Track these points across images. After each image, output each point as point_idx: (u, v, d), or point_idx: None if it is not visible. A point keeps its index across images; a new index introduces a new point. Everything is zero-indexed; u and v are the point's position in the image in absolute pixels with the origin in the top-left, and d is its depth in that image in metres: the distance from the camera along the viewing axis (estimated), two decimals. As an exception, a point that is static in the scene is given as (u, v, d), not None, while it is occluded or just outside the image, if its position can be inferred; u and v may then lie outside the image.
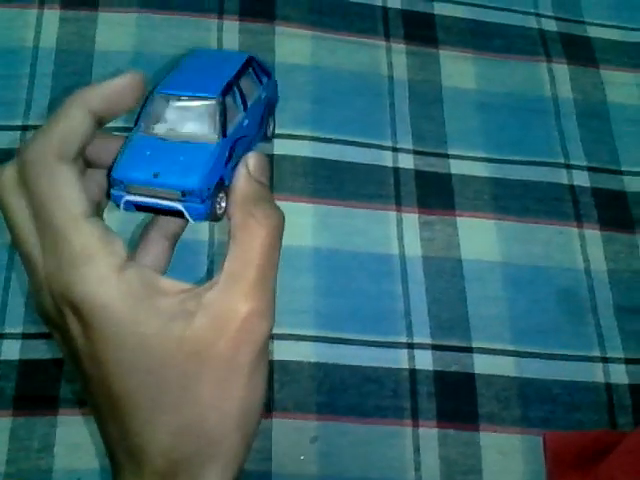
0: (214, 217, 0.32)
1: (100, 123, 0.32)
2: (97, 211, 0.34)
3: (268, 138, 0.38)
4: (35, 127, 0.53)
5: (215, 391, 0.29)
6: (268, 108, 0.38)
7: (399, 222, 0.55)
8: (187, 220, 0.32)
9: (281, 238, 0.32)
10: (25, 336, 0.48)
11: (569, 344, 0.53)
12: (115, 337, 0.29)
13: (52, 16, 0.57)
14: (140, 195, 0.31)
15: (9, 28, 0.56)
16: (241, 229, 0.31)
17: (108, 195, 0.32)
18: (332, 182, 0.55)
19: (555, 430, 0.51)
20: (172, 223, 0.35)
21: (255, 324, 0.30)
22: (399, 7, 0.64)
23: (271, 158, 0.55)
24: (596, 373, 0.53)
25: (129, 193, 0.31)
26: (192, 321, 0.29)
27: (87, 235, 0.29)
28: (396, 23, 0.63)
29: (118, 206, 0.32)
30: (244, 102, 0.34)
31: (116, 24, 0.58)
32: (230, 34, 0.59)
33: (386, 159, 0.57)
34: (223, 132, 0.32)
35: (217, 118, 0.32)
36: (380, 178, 0.56)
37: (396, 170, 0.57)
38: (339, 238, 0.54)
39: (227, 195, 0.32)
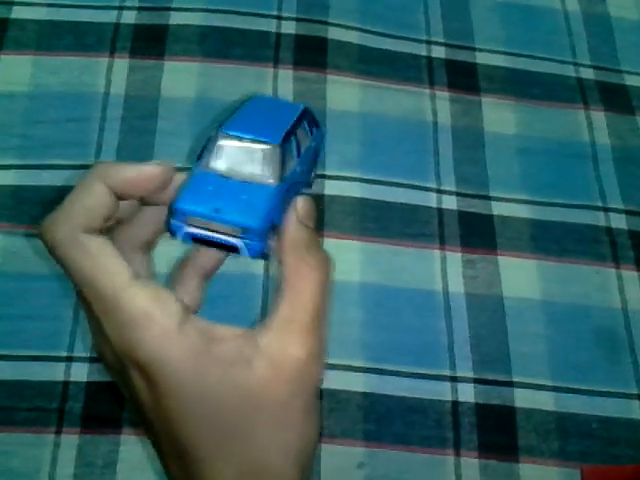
0: (265, 256, 0.33)
1: (121, 198, 0.32)
2: (149, 249, 0.36)
3: (309, 185, 0.40)
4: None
5: (274, 432, 0.31)
6: (315, 157, 0.40)
7: (443, 260, 0.58)
8: (241, 255, 0.33)
9: (331, 282, 0.33)
10: (92, 360, 0.52)
11: (606, 381, 0.55)
12: (178, 390, 0.30)
13: (122, 64, 0.62)
14: (199, 228, 0.32)
15: (83, 75, 0.61)
16: (294, 274, 0.32)
17: (167, 225, 0.33)
18: (379, 221, 0.59)
19: (593, 463, 0.52)
20: (208, 260, 0.36)
21: (309, 367, 0.31)
22: (443, 57, 0.67)
23: (322, 198, 0.59)
24: (633, 410, 0.54)
25: (189, 225, 0.32)
26: (250, 367, 0.30)
27: (141, 299, 0.30)
28: (440, 72, 0.66)
29: (174, 236, 0.33)
30: (299, 150, 0.36)
31: (180, 72, 0.62)
32: (285, 82, 0.63)
33: (430, 200, 0.60)
34: (281, 176, 0.33)
35: (277, 163, 0.33)
36: (425, 218, 0.60)
37: (440, 211, 0.60)
38: (385, 274, 0.57)
39: (277, 237, 0.33)
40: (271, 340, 0.31)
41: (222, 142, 0.34)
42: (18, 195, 0.56)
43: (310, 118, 0.39)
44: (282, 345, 0.31)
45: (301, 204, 0.34)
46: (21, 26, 0.62)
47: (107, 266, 0.31)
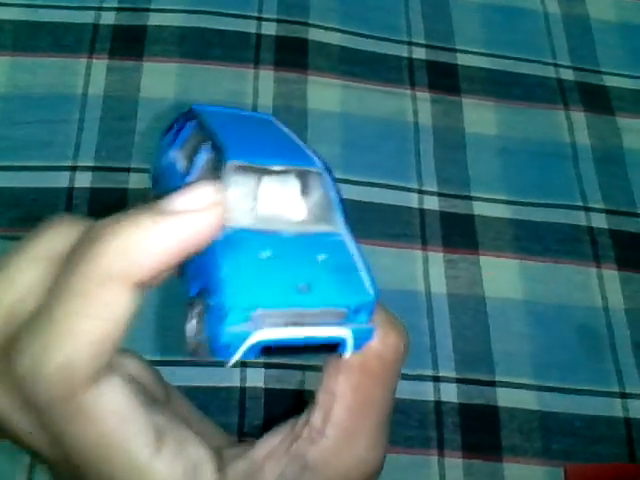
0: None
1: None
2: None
3: None
4: (84, 167, 0.56)
5: None
6: None
7: (425, 260, 0.58)
8: (338, 353, 0.21)
9: (404, 361, 0.24)
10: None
11: (589, 379, 0.55)
12: None
13: (100, 65, 0.61)
14: (278, 326, 0.20)
15: (61, 76, 0.60)
16: (354, 359, 0.23)
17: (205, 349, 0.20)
18: (361, 222, 0.58)
19: (576, 462, 0.52)
20: None
21: (374, 477, 0.25)
22: (424, 58, 0.67)
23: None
24: (615, 408, 0.54)
25: (259, 327, 0.19)
26: None
27: (170, 475, 0.22)
28: (421, 73, 0.66)
29: (226, 357, 0.20)
30: None
31: (159, 73, 0.62)
32: (265, 83, 0.63)
33: (412, 201, 0.60)
34: (345, 215, 0.23)
35: (334, 196, 0.23)
36: (406, 219, 0.59)
37: (422, 211, 0.60)
38: (367, 275, 0.57)
39: None
40: (327, 456, 0.24)
41: (238, 178, 0.22)
42: (-5, 197, 0.55)
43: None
44: (342, 460, 0.24)
45: None
46: (-3, 26, 0.62)
47: (121, 434, 0.21)
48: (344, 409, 0.23)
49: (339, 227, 0.23)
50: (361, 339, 0.22)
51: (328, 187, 0.23)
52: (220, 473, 0.23)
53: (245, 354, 0.20)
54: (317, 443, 0.24)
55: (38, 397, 0.20)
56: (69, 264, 0.20)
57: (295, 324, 0.20)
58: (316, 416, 0.24)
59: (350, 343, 0.21)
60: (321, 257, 0.21)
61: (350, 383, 0.23)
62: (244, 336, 0.19)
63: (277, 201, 0.22)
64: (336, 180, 0.24)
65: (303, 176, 0.23)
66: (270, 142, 0.25)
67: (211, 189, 0.20)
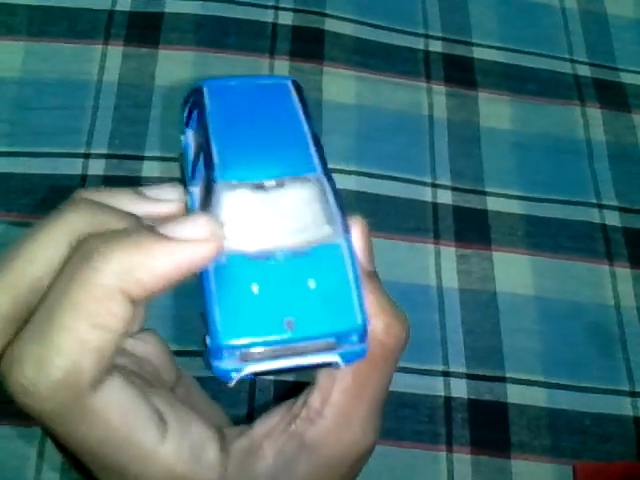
0: None
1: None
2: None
3: None
4: (97, 155, 0.56)
5: None
6: None
7: (437, 255, 0.58)
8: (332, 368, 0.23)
9: (404, 348, 0.25)
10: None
11: (599, 377, 0.55)
12: None
13: (115, 52, 0.61)
14: (267, 360, 0.21)
15: (75, 62, 0.60)
16: None
17: (208, 365, 0.22)
18: (374, 215, 0.58)
19: (585, 460, 0.52)
20: None
21: (365, 459, 0.26)
22: (440, 51, 0.67)
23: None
24: (625, 406, 0.54)
25: (248, 361, 0.21)
26: (296, 470, 0.24)
27: (175, 460, 0.23)
28: (437, 66, 0.66)
29: (226, 382, 0.22)
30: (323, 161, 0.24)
31: (175, 61, 0.61)
32: (281, 73, 0.62)
33: (425, 194, 0.60)
34: (345, 224, 0.22)
35: (331, 205, 0.22)
36: (419, 212, 0.59)
37: (435, 205, 0.60)
38: (379, 268, 0.56)
39: None
40: (324, 437, 0.24)
41: (228, 198, 0.22)
42: (7, 183, 0.55)
43: (301, 93, 0.26)
44: (338, 443, 0.25)
45: (359, 242, 0.24)
46: (11, 11, 0.61)
47: (127, 428, 0.22)
48: (342, 392, 0.24)
49: (338, 236, 0.22)
50: (352, 358, 0.23)
51: (327, 193, 0.22)
52: (223, 452, 0.24)
53: (241, 378, 0.22)
54: (315, 423, 0.24)
55: (43, 404, 0.21)
56: (70, 274, 0.21)
57: (284, 356, 0.21)
58: (315, 397, 0.25)
59: (341, 363, 0.22)
60: (312, 283, 0.21)
61: (350, 367, 0.24)
62: (235, 370, 0.21)
63: (273, 216, 0.22)
64: (336, 186, 0.24)
65: (300, 185, 0.22)
66: (270, 142, 0.23)
67: (207, 223, 0.21)
